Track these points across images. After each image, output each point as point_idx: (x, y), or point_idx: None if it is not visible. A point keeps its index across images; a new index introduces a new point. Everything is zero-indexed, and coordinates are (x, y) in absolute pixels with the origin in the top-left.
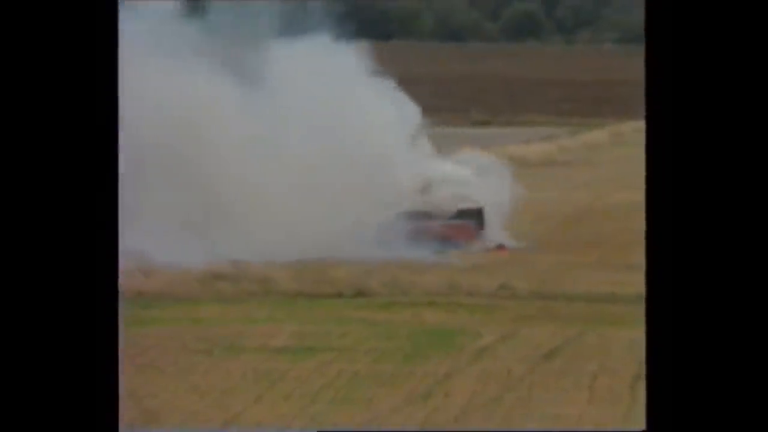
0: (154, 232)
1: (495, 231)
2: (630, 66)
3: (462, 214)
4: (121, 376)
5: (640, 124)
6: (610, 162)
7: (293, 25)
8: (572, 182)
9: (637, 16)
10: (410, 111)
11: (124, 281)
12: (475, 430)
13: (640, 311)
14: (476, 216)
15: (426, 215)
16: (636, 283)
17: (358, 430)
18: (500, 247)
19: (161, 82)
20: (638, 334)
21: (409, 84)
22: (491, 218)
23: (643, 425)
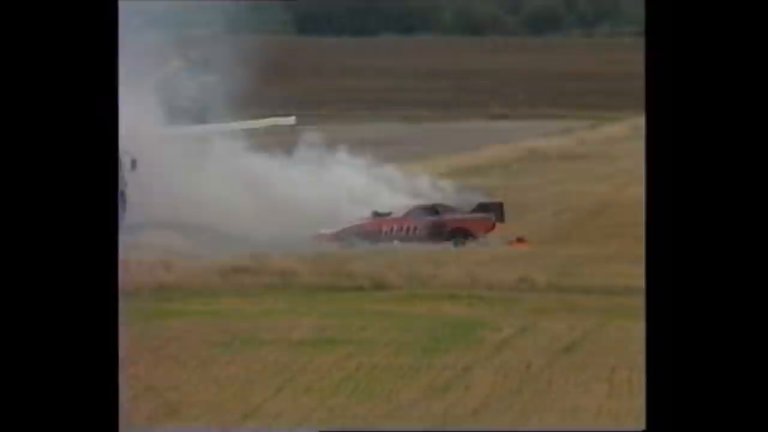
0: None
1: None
2: None
3: (482, 207)
4: (121, 376)
5: None
6: (630, 155)
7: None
8: (591, 175)
9: None
10: None
11: (145, 274)
12: (462, 430)
13: None
14: (496, 209)
15: (445, 208)
16: None
17: (357, 430)
18: (520, 239)
19: None
20: None
21: (429, 78)
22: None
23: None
